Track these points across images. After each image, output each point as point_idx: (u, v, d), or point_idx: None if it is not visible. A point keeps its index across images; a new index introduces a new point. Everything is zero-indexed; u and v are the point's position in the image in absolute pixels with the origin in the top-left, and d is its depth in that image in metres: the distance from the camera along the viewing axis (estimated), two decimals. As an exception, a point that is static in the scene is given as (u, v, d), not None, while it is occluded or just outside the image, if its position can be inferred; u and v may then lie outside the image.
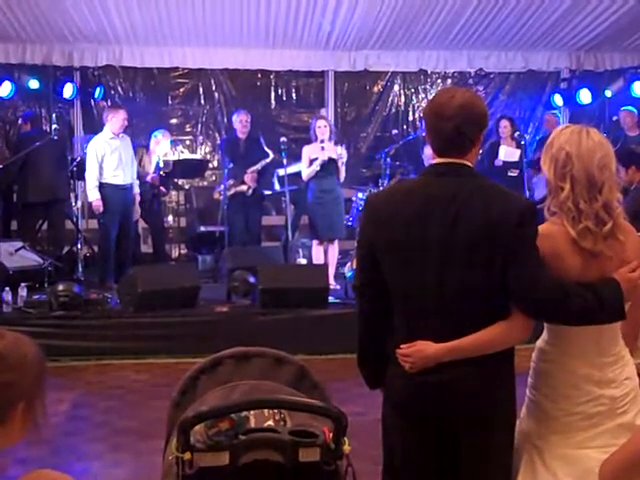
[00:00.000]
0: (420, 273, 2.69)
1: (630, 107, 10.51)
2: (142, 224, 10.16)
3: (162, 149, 9.97)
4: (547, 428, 2.76)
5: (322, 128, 8.94)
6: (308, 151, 9.02)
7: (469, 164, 2.75)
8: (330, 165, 8.91)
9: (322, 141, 8.89)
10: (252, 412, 2.61)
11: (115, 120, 9.11)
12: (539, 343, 2.86)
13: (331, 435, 2.55)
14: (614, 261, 2.69)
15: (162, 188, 10.05)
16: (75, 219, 9.96)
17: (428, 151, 8.08)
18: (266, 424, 2.62)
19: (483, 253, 2.62)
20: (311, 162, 8.93)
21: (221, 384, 2.84)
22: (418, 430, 2.75)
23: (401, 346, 2.71)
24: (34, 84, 10.41)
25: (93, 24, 9.93)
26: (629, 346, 2.83)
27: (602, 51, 11.53)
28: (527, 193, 9.33)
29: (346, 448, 2.58)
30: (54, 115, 10.84)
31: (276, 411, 2.66)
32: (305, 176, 9.01)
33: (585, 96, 11.30)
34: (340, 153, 8.98)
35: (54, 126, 10.44)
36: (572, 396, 2.72)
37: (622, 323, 2.77)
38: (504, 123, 10.33)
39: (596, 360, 2.72)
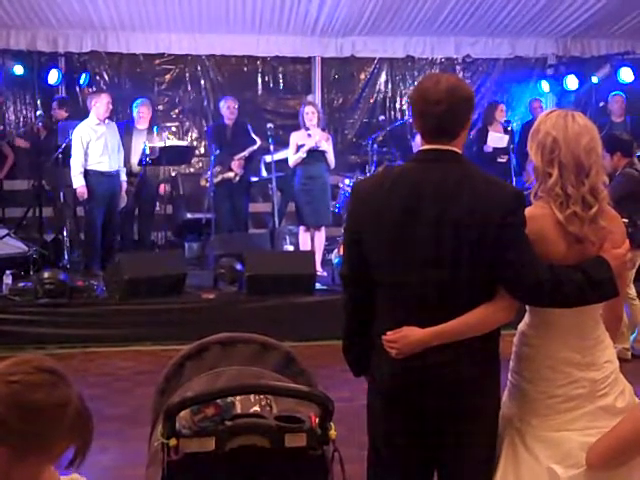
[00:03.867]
0: (407, 262, 2.67)
1: (620, 92, 10.52)
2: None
3: (151, 135, 9.79)
4: (528, 411, 2.76)
5: (310, 115, 8.95)
6: (295, 138, 9.02)
7: (456, 150, 2.72)
8: (317, 152, 8.91)
9: (308, 128, 8.89)
10: (238, 398, 2.61)
11: (99, 105, 9.04)
12: (521, 327, 2.86)
13: (317, 420, 2.55)
14: (596, 247, 2.70)
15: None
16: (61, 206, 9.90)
17: (419, 139, 8.07)
18: (252, 410, 2.61)
19: (472, 242, 2.60)
20: (298, 148, 8.92)
21: (207, 370, 2.83)
22: (403, 416, 2.75)
23: (387, 333, 2.69)
24: (19, 70, 10.33)
25: (78, 9, 9.84)
26: (612, 338, 2.84)
27: (589, 37, 11.53)
28: (514, 180, 9.30)
29: (332, 433, 2.58)
30: (39, 101, 10.76)
31: (262, 397, 2.66)
32: (291, 162, 9.01)
33: (572, 82, 11.32)
34: (328, 138, 9.04)
35: (39, 112, 10.34)
36: (552, 379, 2.72)
37: (605, 316, 2.78)
38: (502, 107, 10.29)
39: (577, 343, 2.73)
